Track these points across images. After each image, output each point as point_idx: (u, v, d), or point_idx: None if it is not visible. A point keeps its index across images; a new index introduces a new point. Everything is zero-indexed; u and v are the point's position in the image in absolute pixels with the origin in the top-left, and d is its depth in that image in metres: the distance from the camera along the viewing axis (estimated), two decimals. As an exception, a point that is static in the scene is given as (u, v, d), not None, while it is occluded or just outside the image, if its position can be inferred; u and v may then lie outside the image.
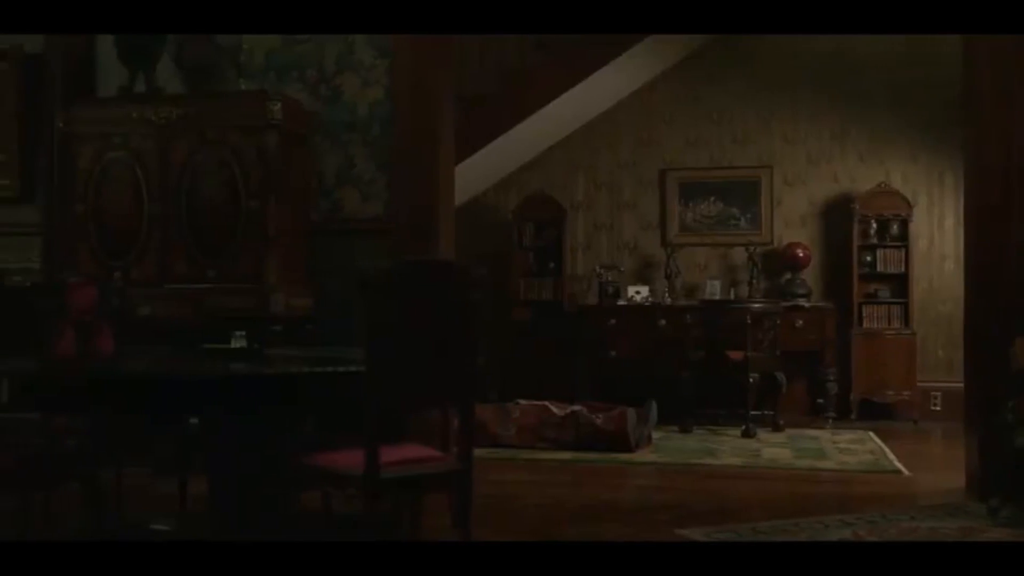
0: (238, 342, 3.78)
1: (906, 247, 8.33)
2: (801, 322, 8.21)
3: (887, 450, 6.71)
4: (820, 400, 8.25)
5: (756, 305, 7.77)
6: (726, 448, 6.85)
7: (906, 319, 8.29)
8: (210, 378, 3.33)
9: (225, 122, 5.48)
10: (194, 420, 4.24)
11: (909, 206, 8.36)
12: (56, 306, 4.43)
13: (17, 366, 3.52)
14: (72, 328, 4.49)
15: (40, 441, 3.80)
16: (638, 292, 8.77)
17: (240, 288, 5.42)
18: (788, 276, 8.60)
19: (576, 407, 6.89)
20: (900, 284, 8.35)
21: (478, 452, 3.38)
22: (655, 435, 7.13)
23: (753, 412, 7.38)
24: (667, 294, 8.71)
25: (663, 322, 8.36)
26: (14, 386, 3.87)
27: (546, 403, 6.97)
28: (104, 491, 4.01)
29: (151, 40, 5.87)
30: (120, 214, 5.62)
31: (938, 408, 8.33)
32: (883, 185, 8.49)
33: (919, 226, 8.51)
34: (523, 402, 7.05)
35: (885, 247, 8.40)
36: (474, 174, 8.33)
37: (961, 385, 5.43)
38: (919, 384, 8.21)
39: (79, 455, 3.89)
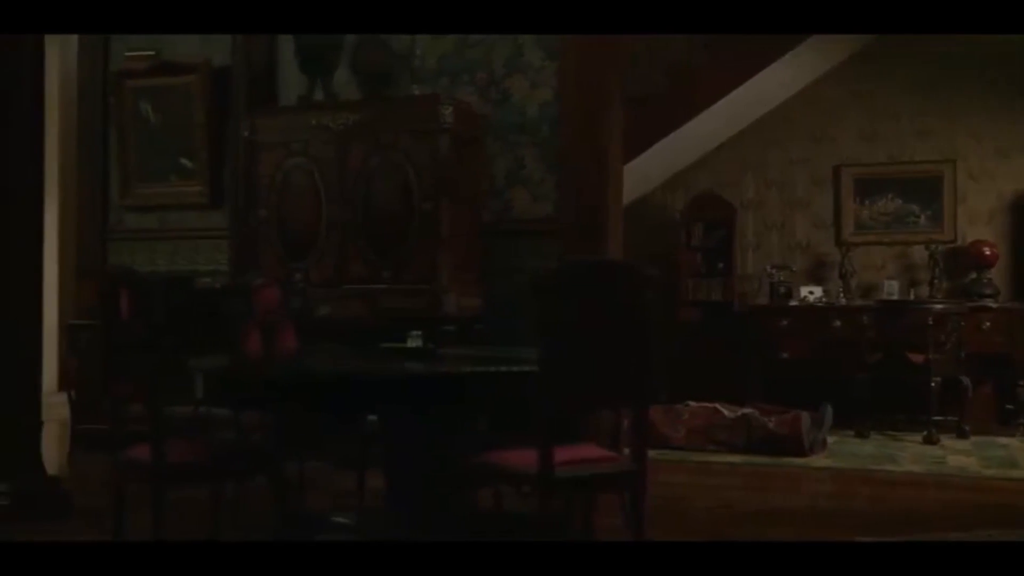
0: (414, 342, 3.87)
1: (1105, 244, 7.80)
2: (988, 324, 7.79)
3: (1085, 460, 6.30)
4: (1010, 406, 7.81)
5: (938, 306, 7.43)
6: (907, 454, 6.58)
7: (1106, 321, 7.76)
8: (388, 377, 3.42)
9: (399, 126, 5.62)
10: (372, 417, 4.38)
11: (1109, 200, 7.83)
12: (243, 307, 4.65)
13: (209, 364, 3.70)
14: (258, 328, 4.69)
15: (230, 436, 3.99)
16: (811, 292, 8.52)
17: (413, 289, 5.55)
18: (973, 276, 8.18)
19: (747, 409, 6.75)
20: (1099, 284, 7.83)
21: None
22: (829, 439, 6.92)
23: (935, 417, 7.06)
24: (841, 294, 8.43)
25: (838, 323, 8.09)
26: (207, 383, 4.08)
27: (716, 405, 6.85)
28: (289, 484, 4.17)
29: (329, 49, 6.09)
30: (300, 218, 5.84)
31: None
32: (1079, 178, 7.98)
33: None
34: (692, 404, 6.96)
35: (1082, 244, 7.90)
36: (641, 174, 8.28)
37: None
38: (1121, 390, 7.67)
39: (265, 449, 4.06)
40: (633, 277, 3.17)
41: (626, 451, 3.78)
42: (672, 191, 9.22)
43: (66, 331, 6.68)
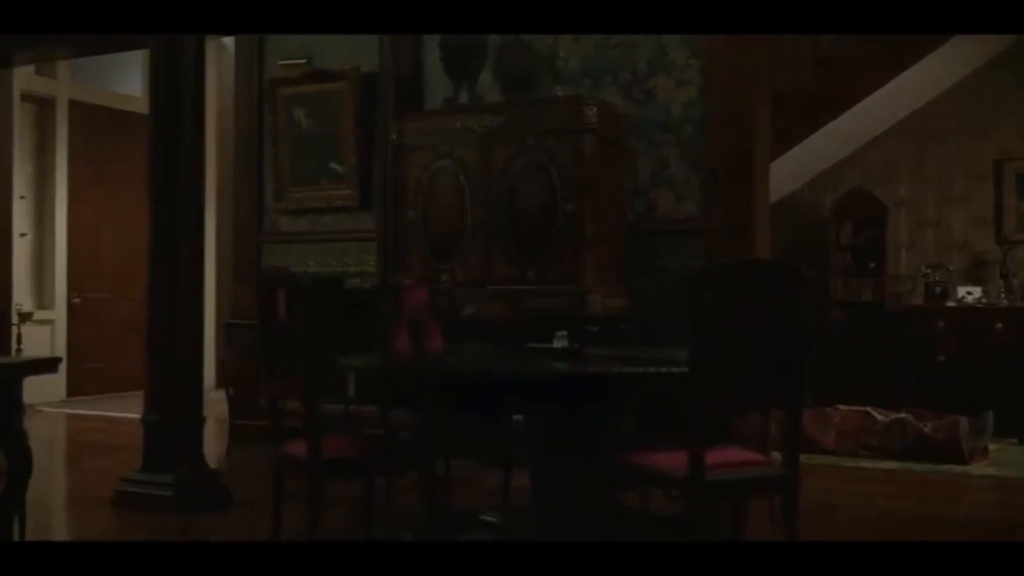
0: (560, 342, 3.87)
1: None
2: None
3: None
4: None
5: (1111, 307, 7.01)
6: (1077, 464, 6.23)
7: None
8: (536, 377, 3.43)
9: (543, 128, 5.64)
10: (518, 417, 4.40)
11: None
12: (392, 307, 4.75)
13: (360, 363, 3.79)
14: (406, 327, 4.79)
15: (380, 432, 4.09)
16: (969, 292, 8.15)
17: (557, 289, 5.56)
18: None
19: (901, 414, 6.51)
20: None
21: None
22: (991, 447, 6.60)
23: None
24: (1003, 295, 8.04)
25: (999, 325, 7.72)
26: (358, 381, 4.19)
27: (868, 409, 6.63)
28: (438, 482, 4.24)
29: (473, 53, 6.16)
30: (445, 219, 5.92)
31: None
32: None
33: None
34: (843, 407, 6.75)
35: None
36: (787, 171, 8.08)
37: None
38: None
39: (414, 446, 4.14)
40: (789, 277, 3.10)
41: (773, 455, 3.70)
42: (819, 189, 8.97)
43: (223, 330, 6.94)
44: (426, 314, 4.88)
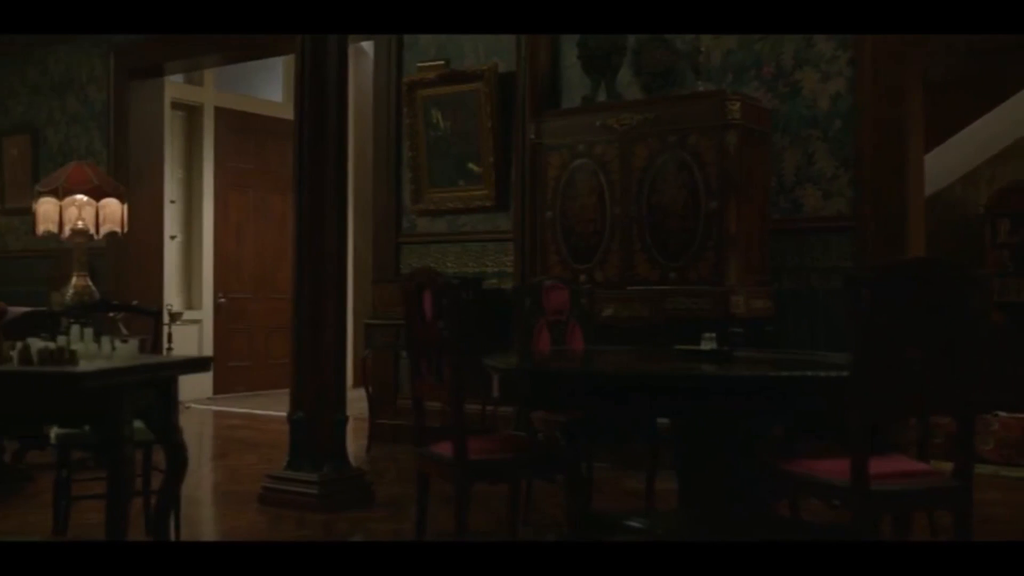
0: (708, 344, 3.75)
1: None
2: None
3: None
4: None
5: None
6: None
7: None
8: (685, 379, 3.34)
9: (685, 124, 5.52)
10: (662, 420, 4.31)
11: None
12: (534, 307, 4.71)
13: (503, 363, 3.75)
14: (547, 328, 4.75)
15: (524, 433, 4.05)
16: None
17: (700, 290, 5.43)
18: None
19: (1067, 422, 6.14)
20: None
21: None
22: None
23: None
24: None
25: None
26: (503, 381, 4.14)
27: (1031, 416, 6.27)
28: (584, 484, 4.18)
29: (612, 51, 6.07)
30: (585, 219, 5.85)
31: None
32: None
33: None
34: (1003, 414, 6.40)
35: None
36: (938, 167, 7.74)
37: None
38: None
39: (558, 448, 4.09)
40: (959, 276, 2.92)
41: (931, 463, 3.50)
42: (972, 185, 8.56)
43: (363, 330, 7.03)
44: (567, 314, 4.84)
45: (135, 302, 6.18)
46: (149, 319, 4.65)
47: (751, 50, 5.93)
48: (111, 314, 6.55)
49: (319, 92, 5.06)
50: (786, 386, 3.21)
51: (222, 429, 8.04)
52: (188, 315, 9.58)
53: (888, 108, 5.56)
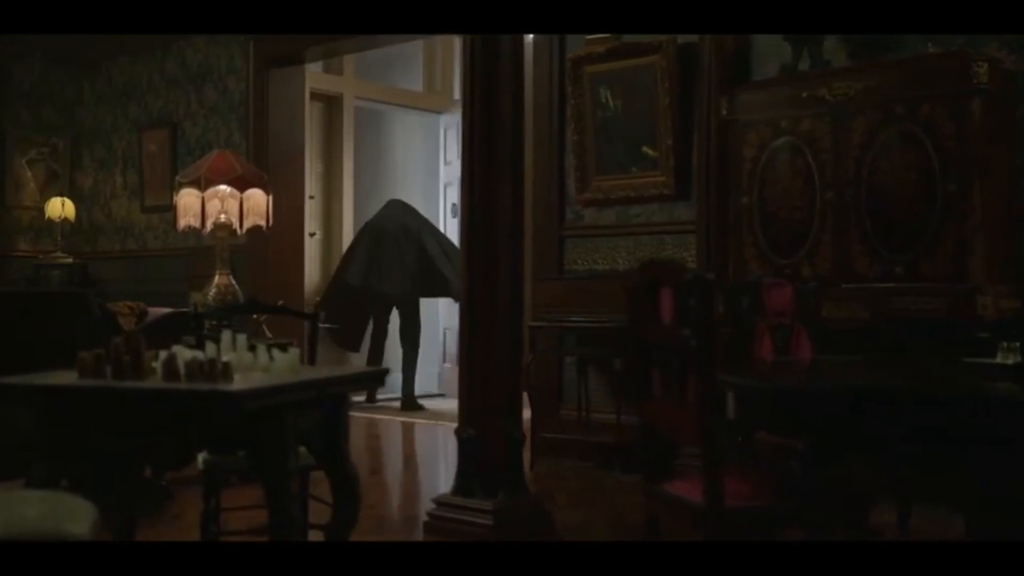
0: (1008, 356, 2.95)
1: None
2: None
3: None
4: None
5: None
6: None
7: None
8: (977, 398, 2.65)
9: (915, 92, 4.67)
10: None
11: None
12: (752, 308, 3.96)
13: (741, 380, 3.01)
14: (769, 332, 3.99)
15: (786, 466, 3.29)
16: None
17: (935, 288, 4.58)
18: None
19: None
20: None
21: None
22: None
23: None
24: None
25: None
26: (741, 399, 3.42)
27: None
28: (824, 523, 3.41)
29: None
30: (789, 205, 5.07)
31: None
32: None
33: None
34: None
35: None
36: None
37: None
38: None
39: (794, 480, 3.32)
40: None
41: None
42: None
43: (527, 333, 6.36)
44: (791, 317, 4.07)
45: (280, 302, 5.64)
46: (299, 322, 4.07)
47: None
48: (255, 316, 6.06)
49: (491, 81, 4.46)
50: None
51: (374, 440, 7.44)
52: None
53: None
